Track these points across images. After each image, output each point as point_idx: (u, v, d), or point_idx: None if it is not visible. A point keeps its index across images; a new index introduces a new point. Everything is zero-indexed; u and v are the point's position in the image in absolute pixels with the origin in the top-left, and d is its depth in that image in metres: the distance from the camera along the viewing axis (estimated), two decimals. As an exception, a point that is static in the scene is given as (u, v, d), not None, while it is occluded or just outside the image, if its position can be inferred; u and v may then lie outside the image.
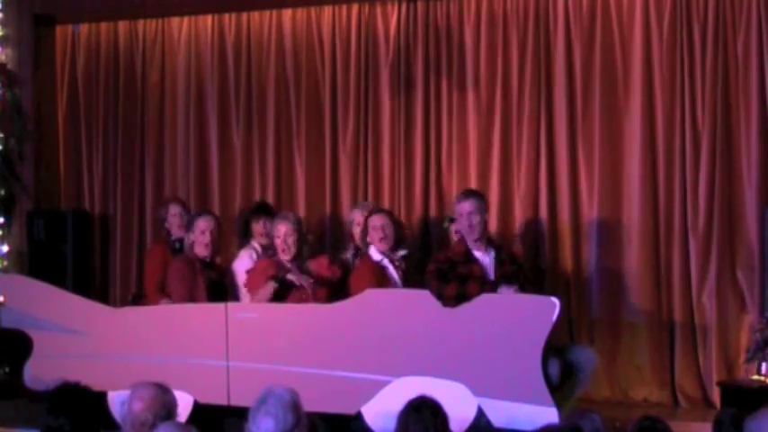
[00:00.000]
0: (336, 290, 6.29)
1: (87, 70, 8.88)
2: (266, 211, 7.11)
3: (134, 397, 4.04)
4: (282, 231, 6.21)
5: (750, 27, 7.13)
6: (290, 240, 6.20)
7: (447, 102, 7.87)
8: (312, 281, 6.12)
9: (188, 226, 6.65)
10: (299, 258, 6.26)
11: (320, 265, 6.37)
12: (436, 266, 5.96)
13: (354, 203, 7.67)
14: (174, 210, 7.22)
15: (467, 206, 6.02)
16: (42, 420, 4.15)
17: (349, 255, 6.67)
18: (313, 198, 8.19)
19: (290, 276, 6.10)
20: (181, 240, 6.92)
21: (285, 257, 6.21)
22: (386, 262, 6.25)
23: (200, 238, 6.46)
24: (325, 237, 8.08)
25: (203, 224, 6.51)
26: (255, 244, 6.98)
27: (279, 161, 8.33)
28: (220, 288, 6.52)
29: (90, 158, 8.87)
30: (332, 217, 8.13)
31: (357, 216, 6.75)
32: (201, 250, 6.48)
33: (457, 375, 5.52)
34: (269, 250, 6.50)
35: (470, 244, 6.01)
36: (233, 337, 6.04)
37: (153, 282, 6.92)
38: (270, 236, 6.38)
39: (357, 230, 6.63)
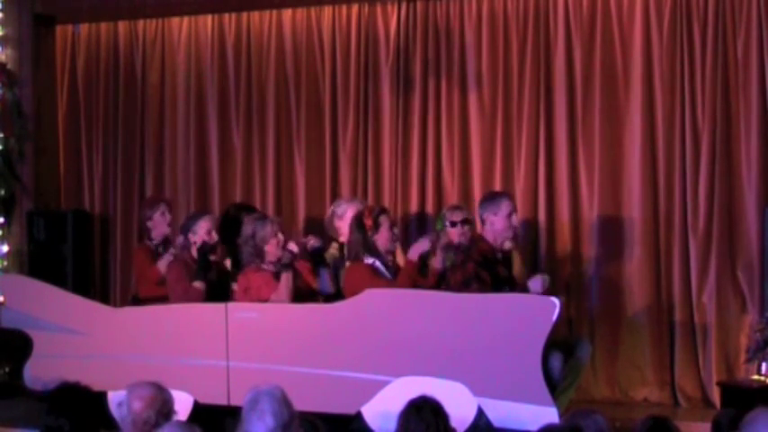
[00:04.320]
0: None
1: (87, 70, 8.88)
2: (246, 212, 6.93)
3: (132, 397, 4.03)
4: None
5: (750, 27, 7.13)
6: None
7: (446, 102, 7.87)
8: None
9: (185, 227, 6.53)
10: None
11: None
12: (475, 267, 5.81)
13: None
14: (164, 209, 7.08)
15: (508, 207, 6.00)
16: (42, 420, 4.16)
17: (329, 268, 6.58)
18: (313, 198, 8.19)
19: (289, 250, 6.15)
20: (164, 243, 6.89)
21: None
22: (377, 264, 6.11)
23: (206, 239, 6.42)
24: (326, 236, 8.06)
25: (208, 224, 6.46)
26: None
27: (279, 161, 8.33)
28: (220, 288, 6.45)
29: (90, 158, 8.87)
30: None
31: (348, 211, 6.56)
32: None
33: (457, 375, 5.51)
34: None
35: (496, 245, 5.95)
36: (233, 337, 6.03)
37: (151, 280, 6.84)
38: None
39: (340, 225, 6.57)
